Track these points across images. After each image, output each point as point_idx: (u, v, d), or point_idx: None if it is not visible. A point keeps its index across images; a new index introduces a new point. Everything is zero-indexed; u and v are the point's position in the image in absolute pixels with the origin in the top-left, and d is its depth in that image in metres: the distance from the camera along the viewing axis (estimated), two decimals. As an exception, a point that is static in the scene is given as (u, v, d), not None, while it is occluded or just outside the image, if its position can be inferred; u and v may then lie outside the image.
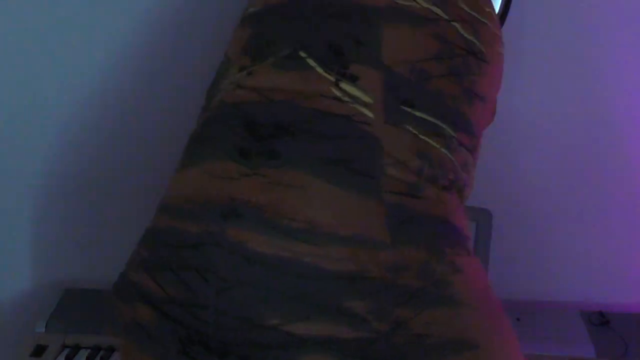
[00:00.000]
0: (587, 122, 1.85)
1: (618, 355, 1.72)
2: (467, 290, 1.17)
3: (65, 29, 1.82)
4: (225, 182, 1.18)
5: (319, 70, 1.24)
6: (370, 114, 1.21)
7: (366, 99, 1.22)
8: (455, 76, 1.30)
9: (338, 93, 1.21)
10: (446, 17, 1.32)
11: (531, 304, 1.92)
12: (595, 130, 1.85)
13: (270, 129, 1.20)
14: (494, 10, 1.44)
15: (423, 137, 1.23)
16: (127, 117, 1.92)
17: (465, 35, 1.33)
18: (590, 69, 1.80)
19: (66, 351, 1.77)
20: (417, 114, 1.24)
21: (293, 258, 1.11)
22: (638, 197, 1.89)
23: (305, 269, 1.10)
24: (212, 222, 1.15)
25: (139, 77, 1.88)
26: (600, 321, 1.84)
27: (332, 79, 1.23)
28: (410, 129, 1.22)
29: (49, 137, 1.94)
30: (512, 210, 1.86)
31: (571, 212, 1.92)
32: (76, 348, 1.78)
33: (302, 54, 1.26)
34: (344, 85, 1.22)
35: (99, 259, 2.04)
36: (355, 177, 1.16)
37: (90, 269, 2.06)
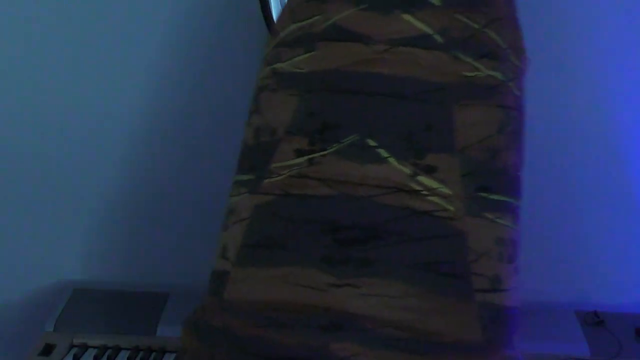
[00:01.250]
0: (584, 123, 1.84)
1: (612, 354, 1.73)
2: None
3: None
4: (314, 292, 1.11)
5: (393, 161, 1.16)
6: (451, 207, 1.15)
7: (446, 190, 1.15)
8: (514, 142, 1.25)
9: (416, 187, 1.15)
10: (504, 78, 1.25)
11: (528, 304, 1.84)
12: (592, 134, 1.85)
13: (355, 232, 1.12)
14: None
15: (499, 221, 1.19)
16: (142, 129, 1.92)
17: (516, 92, 1.27)
18: (591, 75, 1.79)
19: (74, 350, 1.78)
20: (493, 197, 1.19)
21: None
22: (633, 200, 1.89)
23: None
24: (312, 335, 1.08)
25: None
26: (595, 321, 1.85)
27: (408, 171, 1.15)
28: (488, 215, 1.18)
29: (50, 143, 1.94)
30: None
31: (567, 215, 1.92)
32: (84, 347, 1.79)
33: (371, 143, 1.17)
34: (422, 179, 1.15)
35: (107, 261, 2.05)
36: (448, 281, 1.12)
37: (98, 271, 2.06)
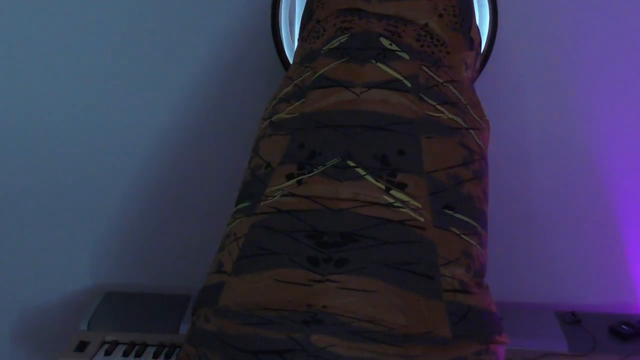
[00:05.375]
0: (563, 133, 1.94)
1: (588, 350, 1.81)
2: None
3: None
4: (298, 288, 1.21)
5: (370, 178, 1.29)
6: (421, 219, 1.28)
7: (416, 204, 1.29)
8: (477, 179, 1.38)
9: (390, 199, 1.28)
10: (466, 125, 1.41)
11: (512, 305, 2.01)
12: (570, 142, 1.95)
13: (335, 237, 1.24)
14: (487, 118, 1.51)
15: (465, 237, 1.31)
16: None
17: (478, 141, 1.42)
18: (564, 82, 1.90)
19: (105, 347, 1.86)
20: (457, 216, 1.32)
21: (376, 359, 1.17)
22: (607, 209, 1.98)
23: None
24: (295, 328, 1.18)
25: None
26: (572, 320, 1.93)
27: (382, 186, 1.29)
28: (455, 230, 1.30)
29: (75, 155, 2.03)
30: (492, 222, 1.87)
31: (547, 223, 2.01)
32: (114, 344, 1.87)
33: (351, 164, 1.31)
34: (394, 193, 1.29)
35: (135, 267, 2.14)
36: (418, 279, 1.22)
37: (127, 276, 2.14)
